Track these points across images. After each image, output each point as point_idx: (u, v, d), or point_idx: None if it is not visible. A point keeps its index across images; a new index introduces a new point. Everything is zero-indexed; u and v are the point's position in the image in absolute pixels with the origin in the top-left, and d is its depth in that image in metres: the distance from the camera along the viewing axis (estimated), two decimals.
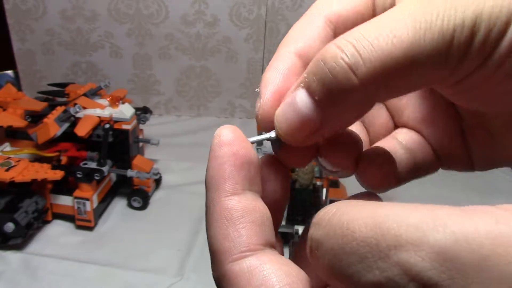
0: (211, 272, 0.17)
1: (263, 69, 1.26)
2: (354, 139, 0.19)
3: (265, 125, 0.18)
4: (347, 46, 0.15)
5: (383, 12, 0.16)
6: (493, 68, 0.15)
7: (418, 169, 0.21)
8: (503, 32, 0.14)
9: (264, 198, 0.17)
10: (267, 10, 1.18)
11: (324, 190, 0.78)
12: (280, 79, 0.18)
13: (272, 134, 0.18)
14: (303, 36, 0.19)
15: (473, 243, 0.11)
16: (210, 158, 0.17)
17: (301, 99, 0.16)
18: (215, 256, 0.16)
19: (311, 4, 0.20)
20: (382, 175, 0.19)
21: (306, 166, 0.17)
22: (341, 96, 0.15)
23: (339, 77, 0.15)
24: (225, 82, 1.28)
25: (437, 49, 0.14)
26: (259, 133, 0.78)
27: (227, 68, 1.26)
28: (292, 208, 0.79)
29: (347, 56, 0.14)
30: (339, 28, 0.19)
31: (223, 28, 1.20)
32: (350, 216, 0.12)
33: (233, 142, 0.18)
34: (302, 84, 0.16)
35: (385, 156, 0.20)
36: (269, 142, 0.19)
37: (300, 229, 0.77)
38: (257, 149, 0.84)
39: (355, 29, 0.15)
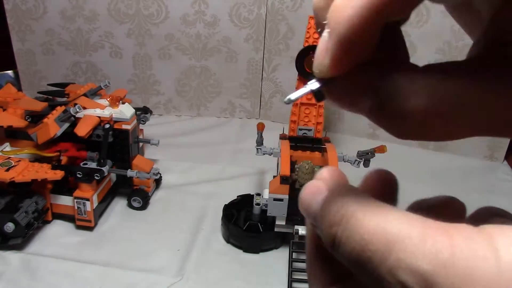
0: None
1: (263, 69, 1.26)
2: None
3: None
4: None
5: None
6: None
7: None
8: None
9: None
10: (267, 10, 1.18)
11: None
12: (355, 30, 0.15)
13: (313, 84, 0.17)
14: None
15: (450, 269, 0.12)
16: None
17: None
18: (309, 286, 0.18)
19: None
20: None
21: (358, 106, 0.16)
22: None
23: None
24: (225, 82, 1.28)
25: None
26: (259, 133, 0.78)
27: (227, 68, 1.26)
28: (292, 208, 0.79)
29: None
30: None
31: (223, 28, 1.20)
32: (365, 227, 0.14)
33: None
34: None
35: None
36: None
37: (300, 229, 0.77)
38: (257, 149, 0.84)
39: None
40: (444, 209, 0.18)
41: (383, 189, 0.18)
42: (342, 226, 0.15)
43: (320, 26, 0.17)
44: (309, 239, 0.18)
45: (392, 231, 0.13)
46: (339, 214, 0.15)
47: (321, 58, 0.16)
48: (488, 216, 0.17)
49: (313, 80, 0.17)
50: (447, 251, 0.13)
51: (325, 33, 0.16)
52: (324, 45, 0.16)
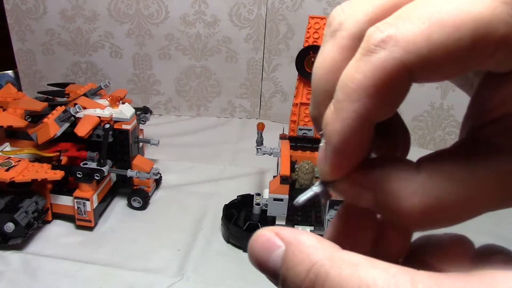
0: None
1: (263, 69, 1.26)
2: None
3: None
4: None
5: None
6: None
7: None
8: None
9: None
10: (267, 10, 1.18)
11: None
12: (352, 149, 0.17)
13: (318, 187, 0.18)
14: None
15: None
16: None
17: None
18: None
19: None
20: None
21: (361, 203, 0.17)
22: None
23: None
24: (225, 82, 1.28)
25: None
26: (259, 133, 0.78)
27: (227, 68, 1.26)
28: (292, 208, 0.79)
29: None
30: None
31: (223, 28, 1.20)
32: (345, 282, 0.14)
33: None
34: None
35: None
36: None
37: (300, 229, 0.77)
38: (257, 149, 0.84)
39: None
40: (453, 247, 0.18)
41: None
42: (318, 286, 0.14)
43: (320, 130, 0.18)
44: None
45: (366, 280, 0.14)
46: (311, 274, 0.15)
47: (321, 165, 0.17)
48: (490, 254, 0.17)
49: (318, 183, 0.18)
50: None
51: (322, 143, 0.17)
52: (323, 153, 0.17)
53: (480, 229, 0.86)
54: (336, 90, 0.16)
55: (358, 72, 0.15)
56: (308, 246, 0.15)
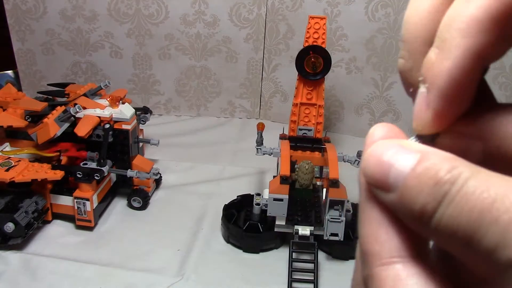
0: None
1: (263, 69, 1.26)
2: None
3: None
4: None
5: None
6: None
7: None
8: None
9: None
10: (267, 10, 1.18)
11: (324, 190, 0.78)
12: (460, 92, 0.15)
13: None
14: None
15: None
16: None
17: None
18: (365, 256, 0.15)
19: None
20: None
21: (467, 157, 0.15)
22: None
23: None
24: (225, 82, 1.28)
25: None
26: (259, 133, 0.78)
27: (227, 68, 1.26)
28: (292, 208, 0.79)
29: None
30: None
31: (223, 28, 1.20)
32: (494, 194, 0.12)
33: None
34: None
35: None
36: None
37: (300, 229, 0.77)
38: (257, 149, 0.84)
39: None
40: None
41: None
42: (453, 192, 0.13)
43: (411, 86, 0.16)
44: (374, 204, 0.15)
45: None
46: (451, 175, 0.13)
47: (421, 115, 0.15)
48: None
49: (413, 138, 0.16)
50: None
51: (423, 89, 0.15)
52: (424, 101, 0.15)
53: None
54: (439, 31, 0.15)
55: (469, 5, 0.14)
56: (439, 153, 0.14)
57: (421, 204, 0.13)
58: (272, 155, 0.84)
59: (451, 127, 0.15)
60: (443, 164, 0.13)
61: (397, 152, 0.14)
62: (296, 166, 0.84)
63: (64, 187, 0.83)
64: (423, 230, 0.14)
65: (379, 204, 0.15)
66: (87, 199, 0.81)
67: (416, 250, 0.15)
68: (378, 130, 0.16)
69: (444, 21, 0.15)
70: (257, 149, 0.85)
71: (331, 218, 0.74)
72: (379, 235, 0.15)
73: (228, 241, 0.83)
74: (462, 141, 0.16)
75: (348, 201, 0.77)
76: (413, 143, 0.15)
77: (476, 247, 0.12)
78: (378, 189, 0.15)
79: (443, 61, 0.14)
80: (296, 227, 0.77)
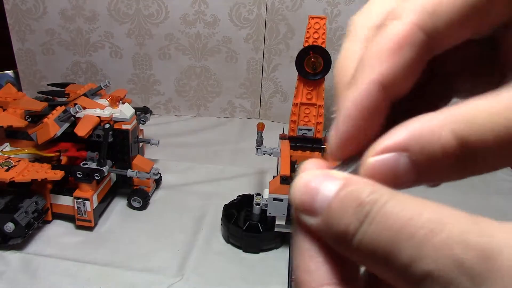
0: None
1: (263, 69, 1.26)
2: None
3: (340, 156, 0.17)
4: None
5: None
6: None
7: None
8: None
9: None
10: (267, 10, 1.18)
11: None
12: (361, 120, 0.16)
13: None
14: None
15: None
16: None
17: (404, 165, 0.15)
18: (298, 286, 0.16)
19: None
20: None
21: None
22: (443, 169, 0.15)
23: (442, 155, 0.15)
24: (225, 82, 1.28)
25: None
26: (259, 133, 0.78)
27: (227, 68, 1.26)
28: (292, 208, 0.79)
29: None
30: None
31: (223, 28, 1.20)
32: (410, 212, 0.14)
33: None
34: (407, 154, 0.15)
35: None
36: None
37: None
38: (257, 149, 0.84)
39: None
40: None
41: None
42: (374, 212, 0.14)
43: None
44: (303, 234, 0.17)
45: (436, 215, 0.13)
46: (373, 197, 0.14)
47: (332, 139, 0.17)
48: None
49: (337, 168, 0.17)
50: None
51: (333, 115, 0.17)
52: (334, 127, 0.17)
53: None
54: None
55: (373, 45, 0.16)
56: (359, 180, 0.15)
57: (344, 224, 0.14)
58: (272, 155, 0.84)
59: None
60: (365, 188, 0.14)
61: (323, 179, 0.15)
62: (296, 166, 0.84)
63: (64, 187, 0.83)
64: (347, 251, 0.15)
65: (308, 234, 0.16)
66: (87, 199, 0.81)
67: (346, 275, 0.16)
68: (309, 164, 0.17)
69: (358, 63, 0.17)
70: (257, 149, 0.85)
71: None
72: (309, 265, 0.16)
73: (228, 241, 0.83)
74: (389, 156, 0.16)
75: None
76: (337, 171, 0.16)
77: (394, 262, 0.13)
78: (305, 214, 0.16)
79: (349, 92, 0.16)
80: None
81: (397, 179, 0.15)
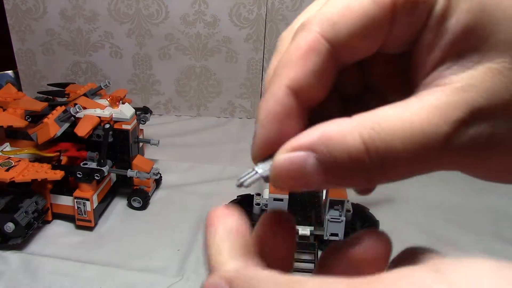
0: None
1: (263, 69, 1.26)
2: None
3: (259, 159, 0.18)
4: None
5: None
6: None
7: None
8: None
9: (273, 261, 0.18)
10: (267, 10, 1.18)
11: (324, 190, 0.78)
12: (275, 124, 0.17)
13: (265, 172, 0.18)
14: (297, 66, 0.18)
15: None
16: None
17: (311, 165, 0.16)
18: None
19: (311, 4, 0.20)
20: None
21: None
22: (350, 173, 0.16)
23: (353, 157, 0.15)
24: (225, 82, 1.28)
25: None
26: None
27: (227, 68, 1.26)
28: (292, 208, 0.79)
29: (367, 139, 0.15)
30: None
31: (223, 28, 1.20)
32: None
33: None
34: (315, 155, 0.16)
35: None
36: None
37: (300, 229, 0.77)
38: None
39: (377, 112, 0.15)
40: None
41: (282, 232, 0.19)
42: None
43: None
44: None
45: None
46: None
47: (252, 145, 0.18)
48: (413, 255, 0.16)
49: (260, 165, 0.18)
50: None
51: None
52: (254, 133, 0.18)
53: (480, 229, 0.87)
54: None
55: (283, 55, 0.17)
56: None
57: None
58: None
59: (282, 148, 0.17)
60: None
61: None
62: None
63: (64, 187, 0.83)
64: None
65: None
66: (87, 199, 0.81)
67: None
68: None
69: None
70: None
71: (331, 218, 0.74)
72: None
73: None
74: (298, 156, 0.17)
75: (348, 201, 0.77)
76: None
77: None
78: None
79: (263, 98, 0.17)
80: (296, 227, 0.77)
81: (304, 178, 0.16)
